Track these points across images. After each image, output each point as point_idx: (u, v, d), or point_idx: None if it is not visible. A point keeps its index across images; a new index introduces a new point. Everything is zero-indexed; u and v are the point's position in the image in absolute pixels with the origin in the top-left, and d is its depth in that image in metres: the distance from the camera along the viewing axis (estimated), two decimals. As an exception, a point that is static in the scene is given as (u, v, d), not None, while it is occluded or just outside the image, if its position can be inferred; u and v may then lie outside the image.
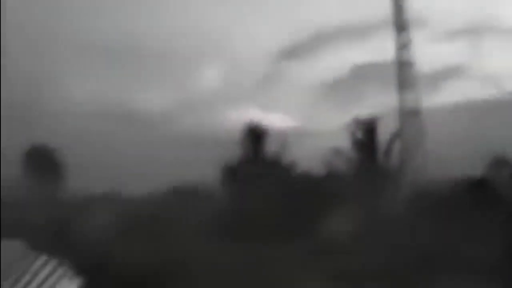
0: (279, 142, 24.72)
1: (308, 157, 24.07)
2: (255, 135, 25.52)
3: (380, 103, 30.33)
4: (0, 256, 2.02)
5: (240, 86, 55.45)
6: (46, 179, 25.47)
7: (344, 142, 23.93)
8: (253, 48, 54.34)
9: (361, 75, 32.10)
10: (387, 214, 19.53)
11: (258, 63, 57.15)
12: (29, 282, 2.05)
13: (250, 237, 17.05)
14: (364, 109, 38.52)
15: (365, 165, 23.62)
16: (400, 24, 33.33)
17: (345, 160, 24.18)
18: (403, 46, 32.35)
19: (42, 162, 25.86)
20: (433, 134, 30.92)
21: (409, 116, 30.43)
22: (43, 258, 2.10)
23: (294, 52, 66.04)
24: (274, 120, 45.68)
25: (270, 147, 25.03)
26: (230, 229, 18.66)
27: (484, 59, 43.50)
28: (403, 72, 31.71)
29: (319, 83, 62.39)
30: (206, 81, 57.55)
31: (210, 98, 53.01)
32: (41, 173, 25.41)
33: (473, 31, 46.58)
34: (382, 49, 34.02)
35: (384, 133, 24.44)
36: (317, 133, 28.00)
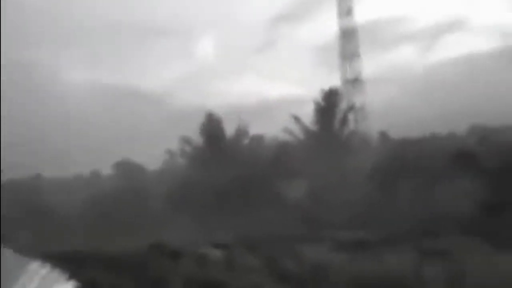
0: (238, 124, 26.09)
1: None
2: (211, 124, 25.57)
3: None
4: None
5: (237, 55, 55.26)
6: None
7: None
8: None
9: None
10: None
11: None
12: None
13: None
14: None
15: (323, 132, 24.16)
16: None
17: (303, 128, 24.53)
18: (346, 13, 32.65)
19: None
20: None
21: (353, 85, 31.13)
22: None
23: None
24: (271, 87, 45.69)
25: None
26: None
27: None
28: (345, 41, 32.12)
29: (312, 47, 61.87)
30: (204, 53, 57.35)
31: (207, 70, 52.84)
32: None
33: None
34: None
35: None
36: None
